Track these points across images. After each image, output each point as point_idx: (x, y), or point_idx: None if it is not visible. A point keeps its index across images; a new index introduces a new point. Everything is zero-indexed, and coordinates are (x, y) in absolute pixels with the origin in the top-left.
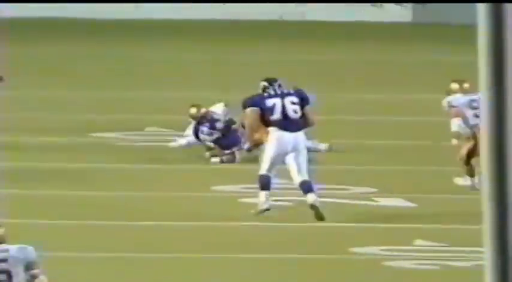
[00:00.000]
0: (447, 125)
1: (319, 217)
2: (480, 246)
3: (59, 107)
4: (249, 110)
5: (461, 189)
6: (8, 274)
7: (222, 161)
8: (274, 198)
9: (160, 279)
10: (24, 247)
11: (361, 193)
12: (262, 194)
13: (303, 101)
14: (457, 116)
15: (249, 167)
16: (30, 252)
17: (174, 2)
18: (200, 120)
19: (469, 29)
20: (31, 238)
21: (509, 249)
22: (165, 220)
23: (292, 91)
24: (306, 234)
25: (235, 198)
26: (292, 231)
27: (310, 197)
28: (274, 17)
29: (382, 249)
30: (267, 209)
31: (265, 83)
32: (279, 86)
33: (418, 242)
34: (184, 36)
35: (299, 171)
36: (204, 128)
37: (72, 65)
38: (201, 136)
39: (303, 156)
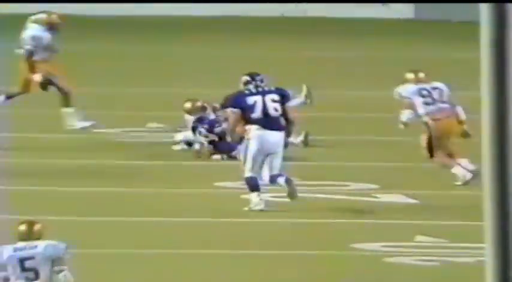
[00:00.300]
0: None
1: (292, 194)
2: (481, 242)
3: (59, 104)
4: (229, 110)
5: (463, 185)
6: (35, 272)
7: (223, 158)
8: (274, 195)
9: (161, 275)
10: (52, 244)
11: (362, 189)
12: (254, 195)
13: (284, 99)
14: (408, 107)
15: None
16: (58, 249)
17: (178, 1)
18: (200, 118)
19: (470, 26)
20: None
21: (510, 246)
22: (167, 216)
23: (273, 88)
24: (306, 230)
25: (238, 194)
26: (292, 227)
27: (281, 179)
28: (275, 14)
29: (382, 246)
30: (261, 210)
31: (248, 78)
32: (261, 81)
33: (419, 238)
34: (185, 32)
35: (270, 169)
36: (202, 129)
37: (71, 62)
38: (197, 136)
39: (279, 157)
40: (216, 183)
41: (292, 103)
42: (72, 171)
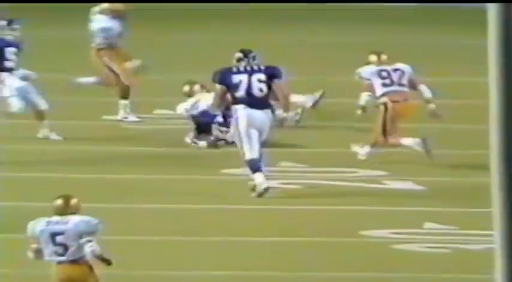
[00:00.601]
0: (458, 108)
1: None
2: (491, 229)
3: (67, 90)
4: (217, 86)
5: (472, 172)
6: (65, 247)
7: (227, 142)
8: (282, 181)
9: (170, 260)
10: (85, 220)
11: (370, 176)
12: (258, 176)
13: (271, 78)
14: (367, 90)
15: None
16: (90, 225)
17: (186, 2)
18: (206, 113)
19: (478, 12)
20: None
21: None
22: (173, 203)
23: (262, 67)
24: (315, 217)
25: (245, 181)
26: (300, 214)
27: (258, 176)
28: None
29: (391, 233)
30: (267, 188)
31: (240, 54)
32: (254, 58)
33: (428, 225)
34: (192, 18)
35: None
36: (221, 127)
37: (80, 48)
38: (220, 135)
39: (264, 136)
40: (223, 170)
41: (296, 98)
42: (77, 158)
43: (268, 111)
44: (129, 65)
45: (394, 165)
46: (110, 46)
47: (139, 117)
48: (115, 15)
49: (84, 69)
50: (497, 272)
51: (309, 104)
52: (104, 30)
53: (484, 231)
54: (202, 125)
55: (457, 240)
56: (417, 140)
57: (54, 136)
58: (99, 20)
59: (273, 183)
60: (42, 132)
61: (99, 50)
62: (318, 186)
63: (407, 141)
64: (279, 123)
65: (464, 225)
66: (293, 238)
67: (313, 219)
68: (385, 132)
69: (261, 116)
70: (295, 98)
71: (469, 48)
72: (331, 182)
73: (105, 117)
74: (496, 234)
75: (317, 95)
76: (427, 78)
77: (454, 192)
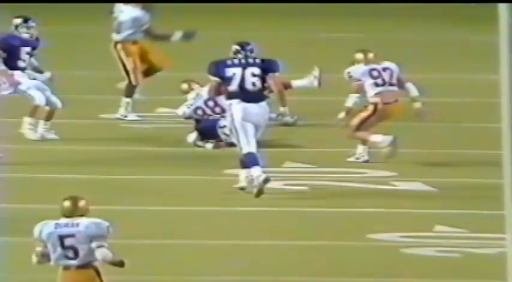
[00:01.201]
0: (468, 107)
1: (258, 194)
2: (502, 232)
3: (68, 87)
4: (212, 78)
5: (483, 172)
6: (74, 250)
7: (227, 143)
8: (287, 182)
9: (166, 265)
10: (95, 222)
11: (379, 177)
12: (255, 169)
13: (267, 72)
14: (357, 92)
15: (262, 150)
16: (101, 227)
17: (190, 1)
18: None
19: (488, 8)
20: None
21: None
22: (175, 205)
23: (258, 61)
24: (321, 220)
25: (250, 182)
26: (306, 216)
27: (256, 170)
28: None
29: (400, 236)
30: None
31: (238, 47)
32: (251, 51)
33: (438, 228)
34: (198, 14)
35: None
36: (225, 129)
37: (81, 44)
38: (227, 139)
39: (261, 132)
40: (226, 171)
41: (299, 83)
42: (78, 157)
43: (264, 103)
44: (121, 85)
45: (402, 166)
46: (134, 40)
47: (139, 116)
48: (143, 5)
49: (80, 65)
50: (510, 277)
51: (315, 84)
52: (136, 20)
53: (496, 235)
54: (207, 130)
55: (469, 243)
56: (388, 137)
57: (51, 135)
58: (129, 11)
59: (278, 185)
60: (40, 132)
61: (118, 43)
62: (324, 187)
63: (376, 137)
64: (279, 118)
65: (475, 228)
66: (298, 241)
67: (319, 222)
68: (359, 126)
69: (257, 110)
70: (297, 84)
71: (480, 45)
72: (338, 183)
73: (102, 115)
74: (509, 237)
75: (315, 73)
76: (441, 74)
77: (465, 194)
